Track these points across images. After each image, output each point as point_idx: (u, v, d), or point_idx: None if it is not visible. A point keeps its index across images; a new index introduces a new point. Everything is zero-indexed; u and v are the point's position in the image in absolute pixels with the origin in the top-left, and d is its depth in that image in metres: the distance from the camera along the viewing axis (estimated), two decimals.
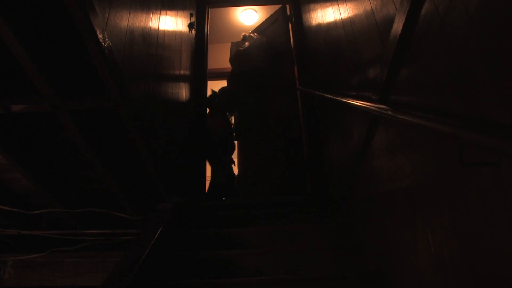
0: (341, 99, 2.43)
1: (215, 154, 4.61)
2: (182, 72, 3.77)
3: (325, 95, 2.89)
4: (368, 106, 1.89)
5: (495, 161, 1.00)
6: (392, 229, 1.97)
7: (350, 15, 2.50)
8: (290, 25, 5.08)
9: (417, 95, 1.51)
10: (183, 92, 3.73)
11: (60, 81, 2.00)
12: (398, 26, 1.56)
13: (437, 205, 1.44)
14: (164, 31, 2.98)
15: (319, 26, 3.66)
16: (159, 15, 2.81)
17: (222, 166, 4.68)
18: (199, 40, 4.86)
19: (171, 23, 3.31)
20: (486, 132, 0.89)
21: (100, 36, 1.59)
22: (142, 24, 2.35)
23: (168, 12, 3.19)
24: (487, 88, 1.04)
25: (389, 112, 1.58)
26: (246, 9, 6.21)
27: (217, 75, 6.15)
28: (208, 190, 4.44)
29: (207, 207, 3.79)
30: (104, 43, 1.64)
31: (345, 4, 2.62)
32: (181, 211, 3.16)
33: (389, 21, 1.72)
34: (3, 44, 1.71)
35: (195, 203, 3.79)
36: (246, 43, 5.05)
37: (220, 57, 6.36)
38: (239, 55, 4.98)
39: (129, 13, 2.09)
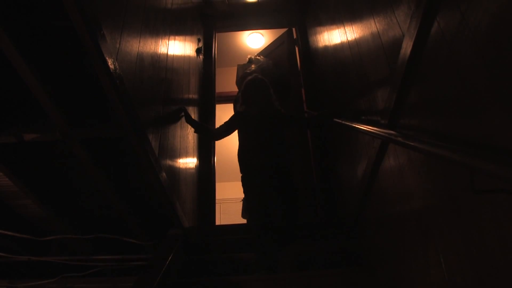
0: (349, 123, 2.43)
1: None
2: (190, 96, 3.81)
3: (334, 119, 2.90)
4: (377, 132, 1.89)
5: (507, 188, 0.99)
6: (404, 253, 1.94)
7: (356, 37, 2.52)
8: (296, 48, 5.11)
9: (427, 120, 1.51)
10: (192, 116, 3.76)
11: (70, 109, 2.03)
12: (406, 51, 1.57)
13: (450, 229, 1.42)
14: (173, 56, 3.02)
15: (326, 49, 3.69)
16: (167, 41, 2.86)
17: None
18: (207, 64, 4.91)
19: (179, 48, 3.35)
20: (497, 161, 0.88)
21: (111, 67, 1.62)
22: (151, 50, 2.38)
23: (177, 37, 3.24)
24: (497, 115, 1.04)
25: (399, 139, 1.58)
26: (252, 33, 6.28)
27: (225, 99, 6.19)
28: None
29: (217, 231, 3.78)
30: (115, 73, 1.67)
31: (351, 26, 2.65)
32: (192, 236, 3.15)
33: (395, 43, 1.74)
34: (16, 74, 1.74)
35: (206, 227, 3.78)
36: (253, 66, 5.07)
37: (227, 81, 6.41)
38: (245, 77, 4.99)
39: (139, 40, 2.13)
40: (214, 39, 5.22)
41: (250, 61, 5.25)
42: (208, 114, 4.56)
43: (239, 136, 3.41)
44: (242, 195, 4.68)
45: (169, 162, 2.66)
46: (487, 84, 1.08)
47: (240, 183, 3.31)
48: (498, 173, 0.86)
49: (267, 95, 3.43)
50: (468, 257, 1.30)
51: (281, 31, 5.39)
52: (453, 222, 1.39)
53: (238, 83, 5.10)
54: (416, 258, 1.79)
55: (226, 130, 3.42)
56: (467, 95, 1.19)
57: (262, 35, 6.39)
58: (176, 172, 2.92)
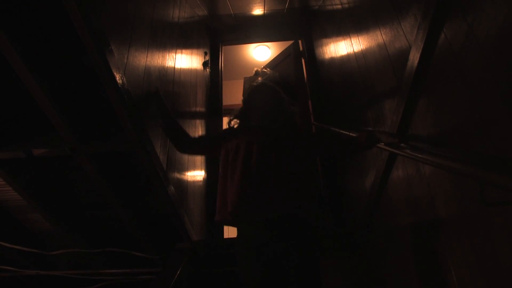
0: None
1: None
2: (198, 109, 3.82)
3: (341, 131, 2.88)
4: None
5: None
6: (413, 265, 1.92)
7: (362, 48, 2.52)
8: (303, 60, 5.12)
9: (435, 131, 1.50)
10: (199, 129, 3.77)
11: (79, 123, 2.04)
12: (413, 63, 1.57)
13: (460, 242, 1.41)
14: (180, 69, 3.04)
15: (332, 60, 3.70)
16: (174, 54, 2.88)
17: None
18: (214, 77, 4.93)
19: (186, 61, 3.37)
20: (508, 173, 0.87)
21: (119, 81, 1.63)
22: (158, 64, 2.40)
23: (183, 51, 3.26)
24: (508, 129, 1.03)
25: (407, 151, 1.57)
26: (259, 45, 6.31)
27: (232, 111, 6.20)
28: None
29: (226, 244, 3.76)
30: (123, 88, 1.68)
31: (357, 38, 2.65)
32: (201, 249, 3.14)
33: (402, 55, 1.74)
34: (24, 89, 1.75)
35: (214, 240, 3.77)
36: (259, 78, 5.08)
37: (234, 93, 6.44)
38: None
39: (146, 55, 2.14)
40: (220, 52, 5.25)
41: (257, 73, 5.27)
42: (215, 127, 4.56)
43: (222, 167, 2.13)
44: None
45: (177, 175, 2.66)
46: (496, 97, 1.07)
47: None
48: (509, 185, 0.85)
49: (278, 99, 2.38)
50: (480, 269, 1.28)
51: (287, 43, 5.41)
52: (464, 234, 1.37)
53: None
54: (425, 270, 1.77)
55: (205, 145, 2.39)
56: (476, 107, 1.18)
57: (269, 47, 6.42)
58: (184, 185, 2.91)
